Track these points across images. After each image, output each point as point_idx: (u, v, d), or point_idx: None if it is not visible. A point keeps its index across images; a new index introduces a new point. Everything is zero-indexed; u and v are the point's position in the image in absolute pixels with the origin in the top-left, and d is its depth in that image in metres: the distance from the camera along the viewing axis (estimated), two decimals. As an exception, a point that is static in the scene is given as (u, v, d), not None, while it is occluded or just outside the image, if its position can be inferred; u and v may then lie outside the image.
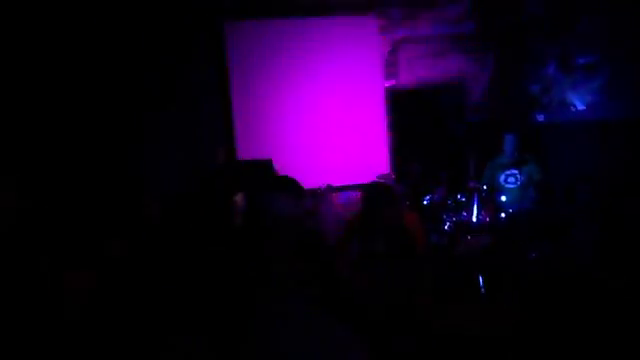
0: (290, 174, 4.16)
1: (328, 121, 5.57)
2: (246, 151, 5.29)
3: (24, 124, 4.19)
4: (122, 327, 2.39)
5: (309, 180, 5.27)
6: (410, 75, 5.65)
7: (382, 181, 4.89)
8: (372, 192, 3.70)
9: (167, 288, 2.48)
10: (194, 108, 5.19)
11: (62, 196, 3.70)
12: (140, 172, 4.83)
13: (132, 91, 4.81)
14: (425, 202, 4.75)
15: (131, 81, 4.81)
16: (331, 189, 5.21)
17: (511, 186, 4.68)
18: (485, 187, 4.62)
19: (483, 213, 4.42)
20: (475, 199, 4.46)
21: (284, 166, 4.78)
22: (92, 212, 3.31)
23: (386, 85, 5.64)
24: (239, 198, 3.33)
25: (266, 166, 4.76)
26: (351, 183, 5.38)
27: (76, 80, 4.53)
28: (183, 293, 2.43)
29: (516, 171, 4.69)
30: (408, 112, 5.59)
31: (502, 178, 4.74)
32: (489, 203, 4.50)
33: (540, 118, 5.28)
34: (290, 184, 2.06)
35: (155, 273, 2.67)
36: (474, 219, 4.42)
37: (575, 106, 4.74)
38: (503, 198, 4.60)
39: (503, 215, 4.42)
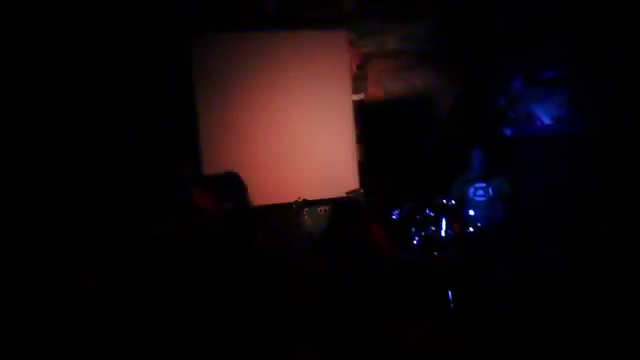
0: (259, 189, 4.08)
1: (297, 135, 5.51)
2: (213, 166, 5.18)
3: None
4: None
5: (279, 195, 5.24)
6: (378, 89, 5.64)
7: (351, 196, 4.84)
8: (339, 208, 3.65)
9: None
10: (159, 123, 5.09)
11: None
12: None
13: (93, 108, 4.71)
14: (394, 217, 4.69)
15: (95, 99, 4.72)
16: (305, 204, 5.11)
17: (480, 199, 4.68)
18: (453, 201, 4.59)
19: (452, 228, 4.38)
20: (443, 214, 4.42)
21: (253, 180, 4.69)
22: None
23: (354, 99, 5.61)
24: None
25: (232, 179, 4.60)
26: (322, 197, 5.31)
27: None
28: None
29: (485, 185, 4.70)
30: (377, 126, 5.56)
31: (471, 191, 4.74)
32: (458, 217, 4.47)
33: (507, 132, 5.30)
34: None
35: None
36: (443, 234, 4.38)
37: (541, 120, 4.77)
38: (471, 212, 4.59)
39: (472, 230, 4.40)
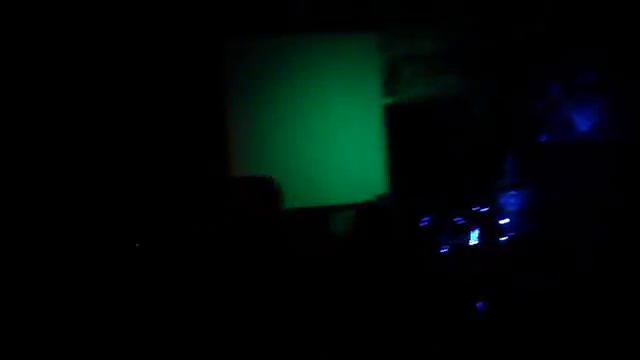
0: (288, 192, 4.04)
1: (326, 139, 5.46)
2: (241, 169, 5.19)
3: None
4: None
5: (307, 199, 5.20)
6: (409, 93, 5.54)
7: (379, 202, 4.74)
8: (365, 214, 3.59)
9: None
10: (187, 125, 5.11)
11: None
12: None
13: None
14: (423, 224, 4.58)
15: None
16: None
17: (512, 208, 4.53)
18: (486, 209, 4.46)
19: (483, 237, 4.25)
20: (475, 222, 4.30)
21: (281, 184, 4.67)
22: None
23: (385, 102, 5.53)
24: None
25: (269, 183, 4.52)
26: (350, 202, 5.25)
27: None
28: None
29: (518, 193, 4.54)
30: (407, 130, 5.45)
31: (504, 200, 4.59)
32: (490, 227, 4.33)
33: (543, 138, 5.12)
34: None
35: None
36: (474, 243, 4.25)
37: (580, 126, 4.59)
38: (504, 221, 4.44)
39: (504, 239, 4.25)
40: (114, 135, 4.74)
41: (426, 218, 4.62)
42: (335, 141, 5.45)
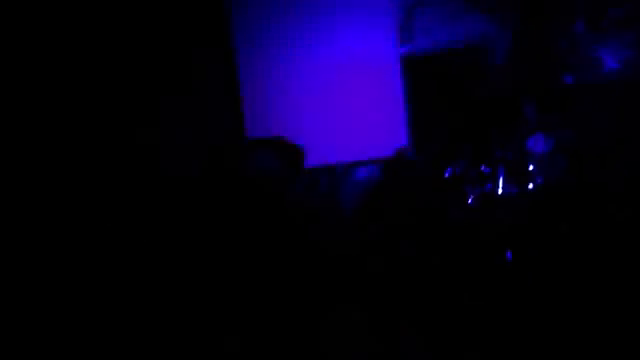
0: (306, 150, 3.96)
1: (341, 91, 5.32)
2: (253, 126, 5.10)
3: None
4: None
5: (325, 156, 5.13)
6: (427, 40, 5.33)
7: (400, 154, 4.66)
8: (392, 166, 3.54)
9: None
10: (198, 83, 4.99)
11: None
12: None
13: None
14: (446, 175, 4.49)
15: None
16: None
17: (539, 151, 4.39)
18: (510, 157, 4.34)
19: (509, 184, 4.15)
20: (500, 170, 4.19)
21: (299, 142, 4.61)
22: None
23: (401, 52, 5.34)
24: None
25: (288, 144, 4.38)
26: (370, 157, 5.17)
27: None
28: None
29: (544, 136, 4.40)
30: (426, 79, 5.28)
31: (531, 143, 4.45)
32: (517, 173, 4.22)
33: (568, 79, 4.93)
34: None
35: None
36: (500, 191, 4.16)
37: (607, 64, 4.39)
38: (530, 167, 4.32)
39: (531, 186, 4.15)
40: (117, 91, 4.60)
41: (449, 169, 4.54)
42: (351, 93, 5.32)
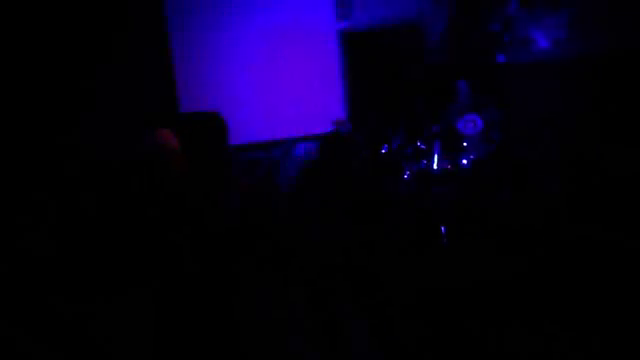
0: (240, 126, 3.80)
1: (278, 67, 5.20)
2: (188, 102, 4.89)
3: None
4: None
5: (262, 132, 5.01)
6: (364, 15, 5.29)
7: (339, 128, 4.60)
8: (327, 143, 3.49)
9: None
10: (128, 58, 4.70)
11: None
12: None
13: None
14: (383, 151, 4.49)
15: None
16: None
17: (470, 132, 4.46)
18: (445, 133, 4.39)
19: (444, 160, 4.20)
20: (436, 146, 4.23)
21: (232, 118, 4.46)
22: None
23: (338, 27, 5.27)
24: None
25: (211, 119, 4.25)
26: (308, 133, 5.09)
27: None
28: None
29: (476, 116, 4.47)
30: (363, 55, 5.24)
31: (461, 124, 4.51)
32: (450, 149, 4.27)
33: (500, 58, 5.03)
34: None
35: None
36: (435, 167, 4.20)
37: (539, 43, 4.50)
38: (464, 144, 4.39)
39: (465, 162, 4.22)
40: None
41: (385, 145, 4.54)
42: (288, 68, 5.21)
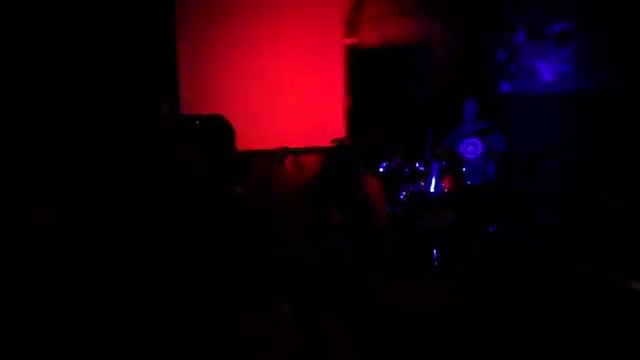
0: (242, 134, 3.78)
1: (284, 78, 5.19)
2: (191, 106, 4.87)
3: None
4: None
5: (262, 141, 4.99)
6: (373, 34, 5.31)
7: (343, 146, 4.58)
8: (335, 157, 3.46)
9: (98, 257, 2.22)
10: (134, 58, 4.70)
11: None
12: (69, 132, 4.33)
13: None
14: (381, 169, 4.47)
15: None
16: (287, 152, 4.85)
17: (470, 156, 4.45)
18: (445, 156, 4.37)
19: (442, 184, 4.18)
20: (434, 169, 4.21)
21: (235, 125, 4.44)
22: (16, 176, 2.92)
23: (347, 43, 5.28)
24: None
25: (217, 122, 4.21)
26: (305, 146, 5.07)
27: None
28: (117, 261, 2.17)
29: (477, 140, 4.47)
30: (369, 73, 5.25)
31: (462, 148, 4.51)
32: (449, 173, 4.25)
33: (505, 87, 5.05)
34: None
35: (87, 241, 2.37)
36: (432, 190, 4.18)
37: (543, 76, 4.52)
38: (462, 169, 4.37)
39: (462, 187, 4.20)
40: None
41: (384, 163, 4.52)
42: (293, 80, 5.21)
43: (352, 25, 5.31)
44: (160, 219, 2.24)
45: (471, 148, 4.49)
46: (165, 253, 2.19)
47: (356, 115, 5.26)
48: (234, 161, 3.78)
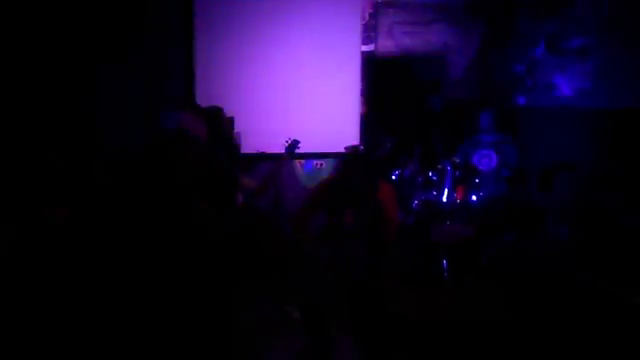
0: (256, 136, 3.78)
1: (298, 83, 5.21)
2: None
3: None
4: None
5: (273, 145, 4.99)
6: (390, 42, 5.31)
7: (357, 152, 4.58)
8: (351, 162, 3.46)
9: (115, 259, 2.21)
10: (152, 57, 4.73)
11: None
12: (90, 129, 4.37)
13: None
14: (394, 177, 4.47)
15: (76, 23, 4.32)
16: (296, 144, 4.83)
17: (485, 167, 4.44)
18: (459, 167, 4.35)
19: (454, 194, 4.17)
20: (448, 178, 4.20)
21: (247, 126, 4.45)
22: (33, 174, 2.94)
23: (363, 49, 5.29)
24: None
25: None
26: (317, 151, 5.07)
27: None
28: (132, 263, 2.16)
29: (491, 152, 4.46)
30: (384, 81, 5.25)
31: (475, 159, 4.50)
32: (462, 184, 4.24)
33: (521, 100, 5.03)
34: None
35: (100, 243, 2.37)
36: (444, 199, 4.17)
37: (562, 91, 4.50)
38: (477, 180, 4.35)
39: (474, 198, 4.18)
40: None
41: (397, 171, 4.51)
42: (308, 85, 5.21)
43: (368, 32, 5.32)
44: (162, 200, 2.21)
45: (485, 160, 4.48)
46: (168, 239, 2.16)
47: (371, 122, 5.26)
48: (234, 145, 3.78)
